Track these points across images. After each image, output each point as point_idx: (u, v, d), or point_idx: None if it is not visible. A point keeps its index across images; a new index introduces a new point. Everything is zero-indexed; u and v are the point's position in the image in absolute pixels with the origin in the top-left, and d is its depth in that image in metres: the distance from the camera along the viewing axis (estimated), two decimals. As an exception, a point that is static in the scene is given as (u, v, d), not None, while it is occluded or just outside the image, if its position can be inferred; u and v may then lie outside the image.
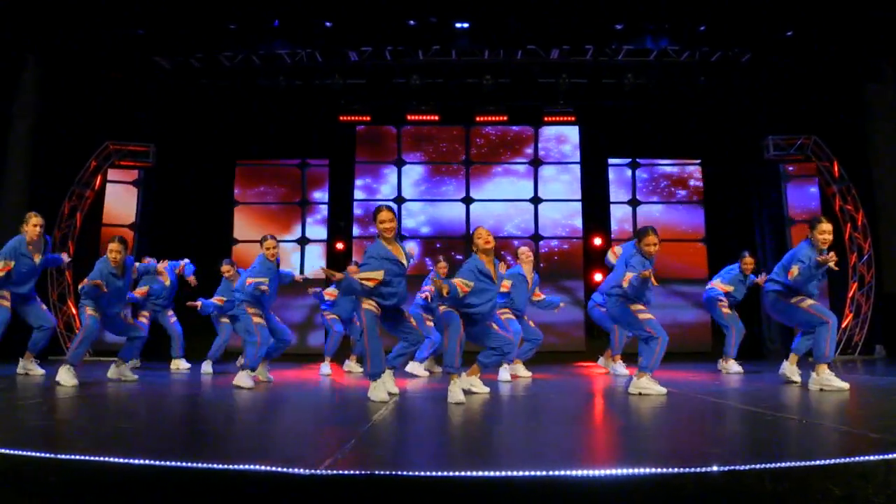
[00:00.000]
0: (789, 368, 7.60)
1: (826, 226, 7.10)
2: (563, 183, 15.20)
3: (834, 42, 12.95)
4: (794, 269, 6.90)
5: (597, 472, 2.51)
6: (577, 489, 2.49)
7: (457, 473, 2.54)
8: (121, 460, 2.69)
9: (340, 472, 2.60)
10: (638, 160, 15.31)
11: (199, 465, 2.66)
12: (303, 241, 14.89)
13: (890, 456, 2.64)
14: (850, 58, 13.15)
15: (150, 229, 14.17)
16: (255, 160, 15.33)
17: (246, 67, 14.05)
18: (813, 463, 2.59)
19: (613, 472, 2.52)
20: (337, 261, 13.82)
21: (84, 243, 13.35)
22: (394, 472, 2.58)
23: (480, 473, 2.53)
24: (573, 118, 15.15)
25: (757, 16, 12.62)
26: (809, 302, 7.05)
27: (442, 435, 4.20)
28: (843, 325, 13.14)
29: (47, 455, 2.75)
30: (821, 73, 13.61)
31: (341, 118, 15.02)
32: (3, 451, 2.79)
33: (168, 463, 2.68)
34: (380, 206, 6.31)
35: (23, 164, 12.79)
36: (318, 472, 2.57)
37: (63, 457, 2.73)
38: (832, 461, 2.60)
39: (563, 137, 15.36)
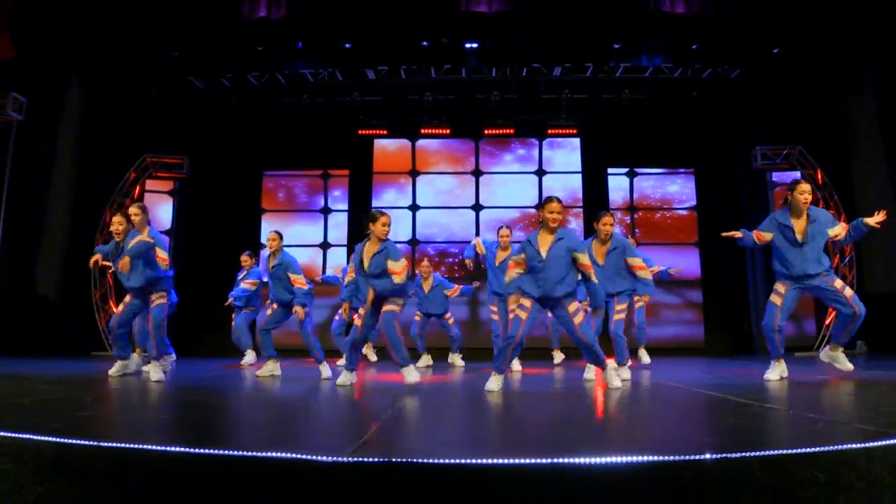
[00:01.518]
0: (833, 355, 6.94)
1: (805, 185, 6.50)
2: (565, 191, 15.19)
3: (818, 58, 12.92)
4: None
5: (600, 460, 2.52)
6: (582, 475, 2.50)
7: (466, 461, 2.54)
8: (157, 448, 2.72)
9: (362, 459, 2.60)
10: (635, 169, 15.29)
11: (229, 452, 2.67)
12: (324, 246, 14.93)
13: (871, 444, 2.63)
14: (833, 72, 13.11)
15: (184, 235, 14.32)
16: (281, 171, 15.39)
17: (272, 86, 14.15)
18: (799, 451, 2.58)
19: (615, 459, 2.52)
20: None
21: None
22: (410, 460, 2.59)
23: (490, 461, 2.54)
24: (575, 130, 15.13)
25: (745, 35, 12.64)
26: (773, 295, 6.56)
27: (453, 424, 4.21)
28: (827, 322, 13.08)
29: (91, 443, 2.77)
30: (806, 87, 13.57)
31: (360, 132, 15.05)
32: (54, 439, 2.82)
33: (200, 450, 2.70)
34: (550, 197, 6.03)
35: (67, 174, 12.96)
36: (342, 459, 2.58)
37: (105, 444, 2.76)
38: (817, 449, 2.59)
39: (566, 149, 15.37)
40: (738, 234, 6.88)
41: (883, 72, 12.72)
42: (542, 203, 6.05)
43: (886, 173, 12.68)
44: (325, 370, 7.72)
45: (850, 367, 6.76)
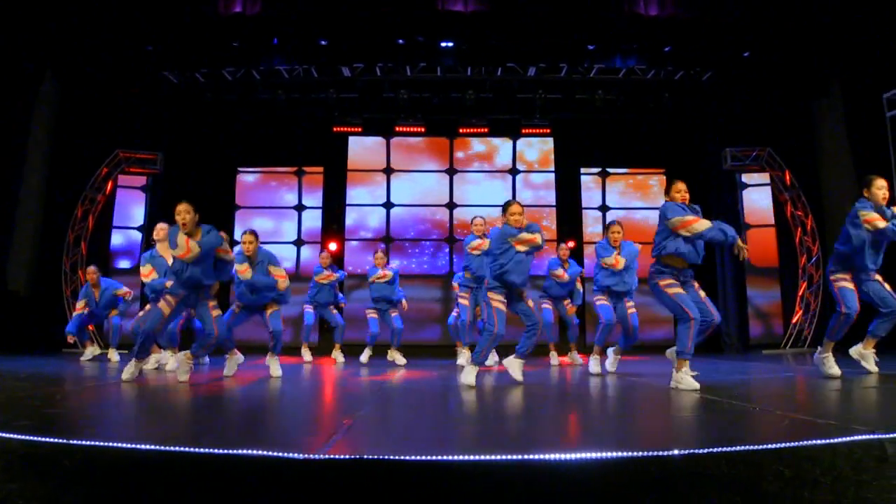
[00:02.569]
0: (864, 353, 6.75)
1: (881, 181, 6.34)
2: (538, 190, 15.26)
3: (787, 62, 13.08)
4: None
5: (569, 456, 2.54)
6: (552, 471, 2.51)
7: (437, 458, 2.55)
8: (127, 446, 2.70)
9: (334, 456, 2.60)
10: (608, 169, 15.39)
11: (200, 450, 2.66)
12: (299, 243, 14.86)
13: (835, 441, 2.67)
14: (802, 76, 13.29)
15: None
16: (255, 167, 15.29)
17: (247, 82, 14.02)
18: (765, 447, 2.61)
19: (584, 455, 2.54)
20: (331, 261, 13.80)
21: (95, 244, 13.32)
22: (382, 457, 2.59)
23: (461, 458, 2.55)
24: (548, 130, 15.20)
25: (717, 38, 12.77)
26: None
27: (426, 421, 4.22)
28: (794, 321, 13.27)
29: (61, 441, 2.75)
30: (775, 90, 13.74)
31: (335, 129, 15.00)
32: (24, 437, 2.79)
33: (170, 448, 2.68)
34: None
35: (39, 169, 12.77)
36: (313, 456, 2.58)
37: (75, 442, 2.74)
38: (783, 445, 2.63)
39: (539, 148, 15.43)
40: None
41: (850, 77, 12.91)
42: (504, 206, 6.51)
43: (853, 175, 12.86)
44: (276, 367, 7.53)
45: (875, 368, 6.62)
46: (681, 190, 6.50)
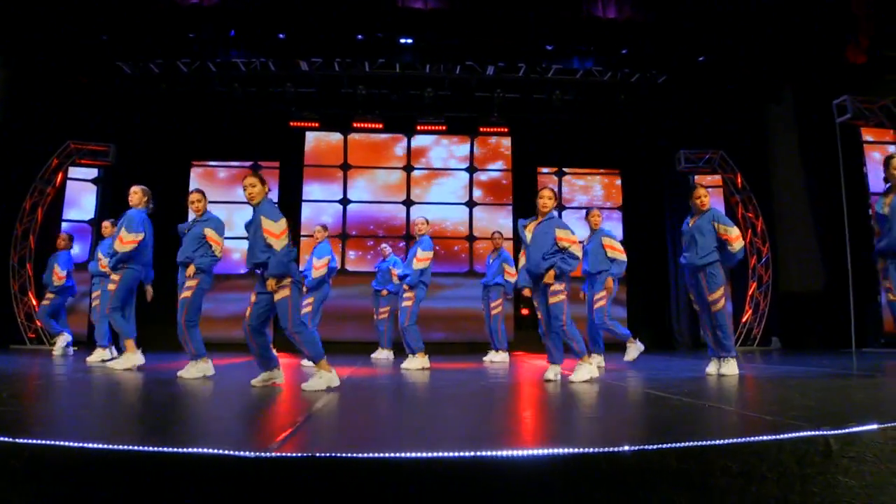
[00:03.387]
0: None
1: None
2: (496, 188, 15.30)
3: (741, 67, 13.30)
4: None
5: (521, 453, 2.53)
6: (504, 468, 2.51)
7: (389, 455, 2.53)
8: (75, 444, 2.63)
9: (285, 454, 2.57)
10: (564, 169, 15.49)
11: (149, 448, 2.60)
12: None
13: (781, 436, 2.71)
14: (755, 82, 13.52)
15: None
16: (210, 161, 15.07)
17: (203, 74, 13.79)
18: (713, 443, 2.64)
19: (536, 452, 2.54)
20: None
21: (44, 238, 12.91)
22: (333, 454, 2.56)
23: (413, 455, 2.53)
24: (506, 129, 15.26)
25: (672, 42, 12.92)
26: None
27: (380, 418, 4.20)
28: (743, 321, 13.50)
29: (8, 440, 2.66)
30: (729, 95, 13.97)
31: (292, 124, 14.86)
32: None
33: (118, 447, 2.61)
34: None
35: (-12, 160, 12.39)
36: (265, 454, 2.54)
37: (21, 441, 2.65)
38: (730, 441, 2.65)
39: (497, 147, 15.47)
40: None
41: (802, 84, 13.17)
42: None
43: (802, 179, 13.14)
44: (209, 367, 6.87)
45: None
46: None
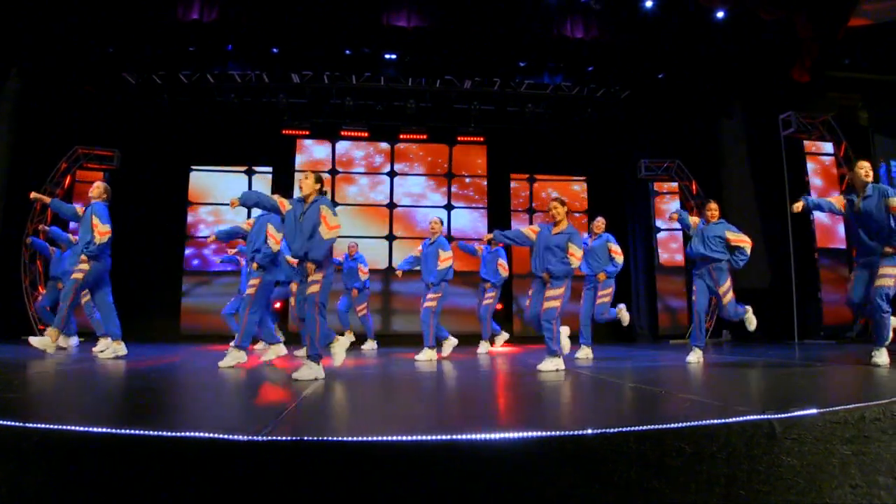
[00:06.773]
0: None
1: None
2: (471, 192, 15.32)
3: (696, 83, 13.42)
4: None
5: (494, 436, 2.55)
6: (478, 450, 2.52)
7: (371, 438, 2.53)
8: (81, 428, 2.61)
9: (276, 437, 2.56)
10: (535, 176, 15.55)
11: (149, 432, 2.58)
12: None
13: (730, 420, 2.74)
14: (709, 97, 13.65)
15: (112, 225, 13.64)
16: (208, 166, 14.96)
17: (202, 85, 13.73)
18: (668, 426, 2.67)
19: (508, 435, 2.56)
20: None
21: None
22: (320, 438, 2.56)
23: (395, 438, 2.54)
24: (482, 138, 15.31)
25: (635, 60, 13.01)
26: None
27: (367, 404, 4.20)
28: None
29: (18, 424, 2.64)
30: (684, 109, 14.09)
31: (284, 132, 14.85)
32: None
33: (122, 431, 2.60)
34: None
35: (1, 163, 12.21)
36: (257, 438, 2.53)
37: (31, 425, 2.63)
38: (683, 425, 2.68)
39: (473, 155, 15.50)
40: None
41: (751, 99, 13.31)
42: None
43: (751, 186, 13.27)
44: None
45: None
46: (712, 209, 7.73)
